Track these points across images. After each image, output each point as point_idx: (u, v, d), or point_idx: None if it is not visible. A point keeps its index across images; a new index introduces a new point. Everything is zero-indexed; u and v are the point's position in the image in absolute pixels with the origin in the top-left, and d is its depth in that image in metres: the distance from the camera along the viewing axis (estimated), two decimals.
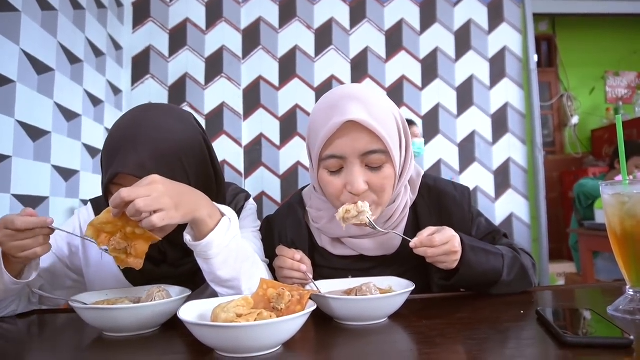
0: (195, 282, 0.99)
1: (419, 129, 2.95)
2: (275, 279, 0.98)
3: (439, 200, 1.09)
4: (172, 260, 1.00)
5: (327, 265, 1.07)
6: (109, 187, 0.91)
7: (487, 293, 0.99)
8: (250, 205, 1.14)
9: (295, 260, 0.91)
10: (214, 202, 0.87)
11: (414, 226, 1.07)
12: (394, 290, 0.89)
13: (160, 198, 0.75)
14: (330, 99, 0.96)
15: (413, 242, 0.88)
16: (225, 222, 0.84)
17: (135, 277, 1.00)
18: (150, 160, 0.89)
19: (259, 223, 1.13)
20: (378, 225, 0.96)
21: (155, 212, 0.75)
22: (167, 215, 0.75)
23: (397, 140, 0.96)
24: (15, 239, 0.80)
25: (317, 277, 0.98)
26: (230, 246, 0.84)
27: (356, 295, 0.82)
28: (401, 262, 1.05)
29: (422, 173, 1.11)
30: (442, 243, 0.88)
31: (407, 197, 1.06)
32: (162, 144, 0.91)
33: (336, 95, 0.96)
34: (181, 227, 0.88)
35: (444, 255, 0.89)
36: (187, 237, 0.83)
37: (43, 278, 0.99)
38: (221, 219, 0.84)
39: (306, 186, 1.19)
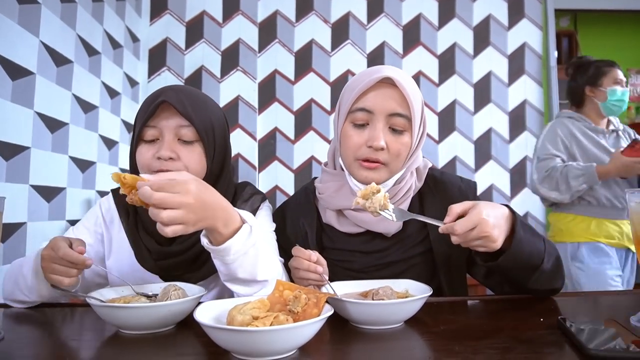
0: (206, 264, 1.00)
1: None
2: (290, 277, 0.98)
3: (444, 191, 1.12)
4: (182, 239, 1.01)
5: (333, 246, 1.09)
6: (142, 131, 0.99)
7: (522, 287, 0.95)
8: (266, 206, 1.15)
9: (312, 261, 0.90)
10: (236, 208, 0.87)
11: (419, 212, 1.09)
12: (411, 293, 0.88)
13: (185, 215, 0.75)
14: (370, 68, 1.07)
15: (441, 229, 0.86)
16: (245, 230, 0.83)
17: (145, 258, 1.03)
18: (189, 103, 0.98)
19: (274, 225, 1.14)
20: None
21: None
22: (183, 230, 0.76)
23: (419, 117, 1.03)
24: (53, 261, 0.87)
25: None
26: (249, 252, 0.84)
27: (373, 298, 0.82)
28: (406, 247, 1.07)
29: (429, 165, 1.15)
30: (465, 230, 0.82)
31: (412, 182, 1.09)
32: (198, 100, 1.02)
33: (376, 66, 1.07)
34: None
35: (477, 240, 0.83)
36: (205, 240, 0.83)
37: None
38: (242, 227, 0.83)
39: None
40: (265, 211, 1.13)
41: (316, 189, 1.15)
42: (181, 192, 0.75)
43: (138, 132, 1.00)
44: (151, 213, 0.74)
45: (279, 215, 1.18)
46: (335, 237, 1.10)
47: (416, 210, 1.09)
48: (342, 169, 1.10)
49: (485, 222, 0.82)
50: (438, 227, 0.88)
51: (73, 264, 0.87)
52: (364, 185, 1.00)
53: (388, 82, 1.00)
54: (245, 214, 0.87)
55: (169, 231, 0.74)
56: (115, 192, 1.12)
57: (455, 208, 0.85)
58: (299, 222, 1.12)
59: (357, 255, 1.07)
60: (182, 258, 1.01)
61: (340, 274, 1.02)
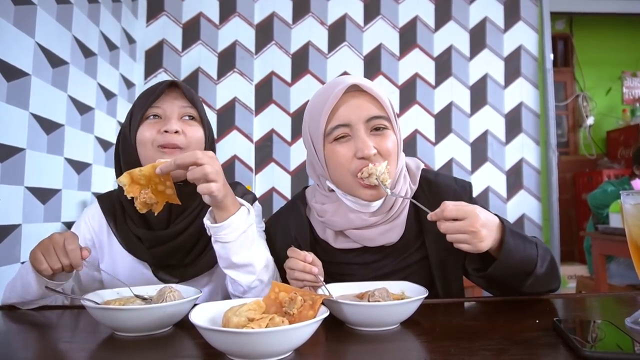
0: (200, 258, 1.07)
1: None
2: (283, 278, 0.98)
3: (439, 194, 1.09)
4: (174, 225, 1.06)
5: (328, 259, 1.05)
6: (146, 112, 1.04)
7: (518, 291, 0.95)
8: (257, 207, 1.16)
9: (307, 262, 0.90)
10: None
11: (415, 219, 1.08)
12: (407, 295, 0.87)
13: (220, 173, 0.87)
14: (328, 82, 1.04)
15: (429, 215, 0.87)
16: (244, 210, 0.92)
17: (137, 247, 1.07)
18: (191, 93, 1.07)
19: (263, 225, 1.16)
20: (380, 214, 1.02)
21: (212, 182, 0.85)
22: (222, 188, 0.86)
23: (393, 114, 1.01)
24: (54, 244, 0.89)
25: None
26: (248, 233, 0.91)
27: (369, 300, 0.81)
28: (403, 256, 1.06)
29: (422, 166, 1.13)
30: (454, 217, 0.83)
31: (406, 186, 1.07)
32: (197, 96, 1.11)
33: (332, 80, 1.04)
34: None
35: (462, 235, 0.83)
36: (207, 222, 0.91)
37: (74, 281, 1.06)
38: (240, 207, 0.92)
39: (309, 186, 1.21)
40: (256, 211, 1.12)
41: (313, 208, 1.11)
42: (211, 155, 0.87)
43: (141, 114, 1.04)
44: (193, 173, 0.84)
45: (269, 229, 1.16)
46: (331, 250, 1.08)
47: (411, 215, 1.08)
48: (332, 190, 1.07)
49: (476, 217, 0.84)
50: (434, 232, 0.88)
51: (66, 258, 0.89)
52: (367, 202, 1.01)
53: (353, 90, 0.98)
54: (240, 199, 0.95)
55: (214, 187, 0.84)
56: (101, 198, 1.15)
57: (449, 203, 0.86)
58: (291, 236, 1.10)
59: (354, 267, 1.06)
60: (173, 244, 1.04)
61: None
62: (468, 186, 1.11)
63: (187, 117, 1.07)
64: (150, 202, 0.90)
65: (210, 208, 0.92)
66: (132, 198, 0.89)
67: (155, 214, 0.93)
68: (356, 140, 0.96)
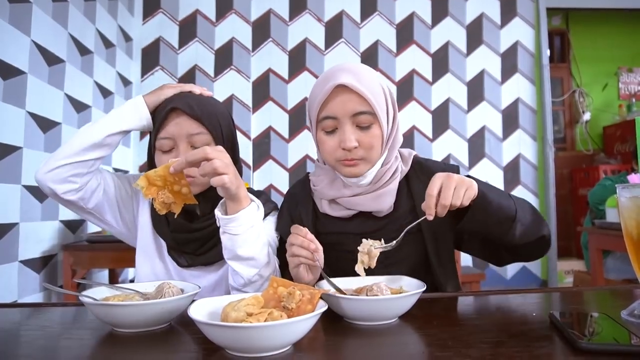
0: (213, 250, 1.12)
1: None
2: (283, 267, 1.02)
3: (429, 173, 1.13)
4: (201, 220, 1.13)
5: (328, 230, 1.14)
6: (157, 143, 1.09)
7: (512, 244, 1.00)
8: (277, 215, 1.22)
9: (307, 238, 0.92)
10: None
11: (408, 197, 1.15)
12: (405, 290, 0.88)
13: (230, 165, 0.91)
14: (326, 72, 1.11)
15: (429, 214, 0.91)
16: (254, 205, 0.97)
17: (162, 227, 1.15)
18: (196, 105, 1.08)
19: (277, 234, 1.19)
20: (370, 184, 1.10)
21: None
22: (234, 179, 0.90)
23: (384, 105, 1.09)
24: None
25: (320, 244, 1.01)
26: (255, 227, 0.96)
27: (367, 294, 0.82)
28: (399, 224, 1.09)
29: (414, 153, 1.21)
30: (438, 189, 0.90)
31: (397, 164, 1.15)
32: (204, 100, 1.12)
33: (332, 69, 1.10)
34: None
35: (458, 191, 0.90)
36: (218, 213, 0.95)
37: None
38: (251, 202, 0.97)
39: None
40: (272, 217, 1.20)
41: (311, 181, 1.21)
42: (220, 149, 0.91)
43: (154, 141, 1.10)
44: (204, 169, 0.88)
45: (282, 205, 1.25)
46: (330, 223, 1.15)
47: (404, 192, 1.15)
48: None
49: (445, 175, 0.92)
50: (430, 217, 0.91)
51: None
52: (352, 179, 1.09)
53: (343, 86, 1.04)
54: (250, 195, 0.99)
55: (227, 179, 0.88)
56: None
57: (429, 190, 0.91)
58: (297, 211, 1.18)
59: (351, 237, 1.11)
60: (192, 236, 1.11)
61: (335, 257, 1.04)
62: (456, 169, 1.18)
63: (196, 145, 1.08)
64: (168, 202, 0.94)
65: (222, 200, 0.97)
66: (152, 200, 0.94)
67: (175, 216, 0.97)
68: (340, 133, 1.06)
